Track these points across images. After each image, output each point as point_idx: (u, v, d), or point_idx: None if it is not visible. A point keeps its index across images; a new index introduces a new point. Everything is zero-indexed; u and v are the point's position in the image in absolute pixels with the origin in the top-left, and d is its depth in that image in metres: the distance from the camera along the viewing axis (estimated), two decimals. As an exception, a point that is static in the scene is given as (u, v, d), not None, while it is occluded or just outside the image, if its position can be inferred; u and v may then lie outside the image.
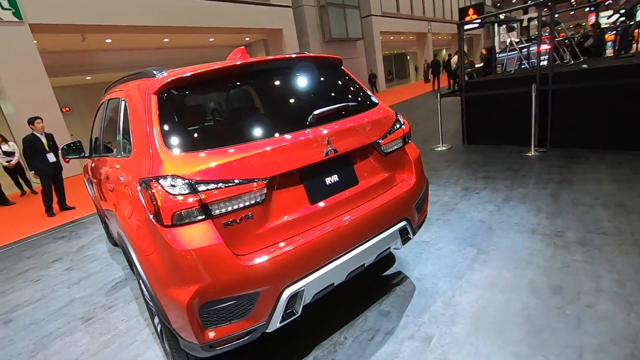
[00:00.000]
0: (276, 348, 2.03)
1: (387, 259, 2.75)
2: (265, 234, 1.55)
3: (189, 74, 1.65)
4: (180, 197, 1.39)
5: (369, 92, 2.22)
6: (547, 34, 5.30)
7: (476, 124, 5.78)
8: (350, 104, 1.99)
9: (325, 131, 1.74)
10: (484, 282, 2.29)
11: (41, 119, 5.68)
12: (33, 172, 5.72)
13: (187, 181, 1.41)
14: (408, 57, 37.38)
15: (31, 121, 5.58)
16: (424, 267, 2.57)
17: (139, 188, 1.50)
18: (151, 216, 1.44)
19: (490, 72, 7.76)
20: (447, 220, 3.25)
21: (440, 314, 2.07)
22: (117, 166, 2.02)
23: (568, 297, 2.04)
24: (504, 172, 4.28)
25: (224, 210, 1.44)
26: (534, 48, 5.22)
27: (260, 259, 1.48)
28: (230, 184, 1.45)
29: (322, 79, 2.13)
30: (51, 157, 5.66)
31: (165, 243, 1.40)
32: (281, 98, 1.98)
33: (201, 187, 1.41)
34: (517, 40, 6.15)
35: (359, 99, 2.12)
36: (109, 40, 12.79)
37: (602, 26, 8.45)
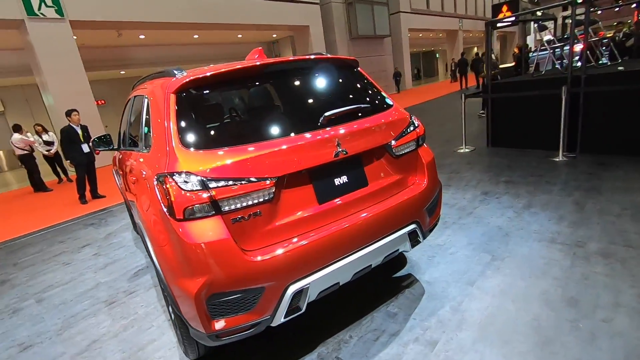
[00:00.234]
0: (282, 342, 2.08)
1: (399, 261, 2.75)
2: (273, 231, 1.60)
3: (206, 75, 1.72)
4: (192, 193, 1.46)
5: (384, 94, 2.22)
6: (581, 33, 5.04)
7: (502, 126, 5.60)
8: (362, 105, 2.00)
9: (335, 132, 1.77)
10: (495, 290, 2.25)
11: (77, 112, 6.02)
12: (69, 161, 6.09)
13: (199, 178, 1.47)
14: (437, 55, 36.52)
15: (68, 113, 5.93)
16: (435, 271, 2.55)
17: (155, 183, 1.58)
18: (165, 210, 1.52)
19: (520, 72, 7.46)
20: (463, 225, 3.19)
21: (448, 319, 2.06)
22: (141, 160, 2.13)
23: (583, 310, 1.97)
24: (528, 177, 4.15)
25: (233, 206, 1.50)
26: (567, 48, 4.98)
27: (267, 256, 1.53)
28: (240, 182, 1.50)
29: (337, 80, 2.15)
30: (85, 148, 5.99)
31: (177, 236, 1.47)
32: (295, 99, 2.02)
33: (212, 184, 1.47)
34: (550, 39, 5.88)
35: (373, 100, 2.12)
36: (142, 37, 13.32)
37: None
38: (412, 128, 2.10)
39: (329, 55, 2.15)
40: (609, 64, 5.44)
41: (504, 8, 17.52)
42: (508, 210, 3.34)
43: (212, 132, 1.73)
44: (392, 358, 1.85)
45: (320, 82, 2.08)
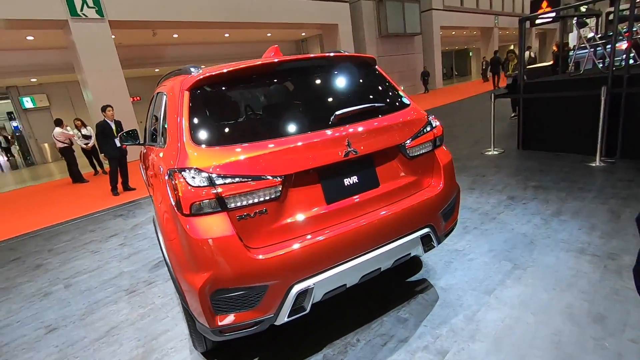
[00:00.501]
0: (288, 341, 2.08)
1: (413, 265, 2.67)
2: (279, 230, 1.59)
3: (220, 72, 1.74)
4: (199, 189, 1.48)
5: (402, 93, 2.16)
6: (626, 30, 4.68)
7: (534, 127, 5.32)
8: (376, 104, 1.95)
9: (346, 131, 1.73)
10: (514, 300, 2.13)
11: (112, 107, 6.32)
12: (103, 154, 6.41)
13: (207, 174, 1.49)
14: (470, 53, 35.32)
15: (103, 109, 6.24)
16: (452, 277, 2.46)
17: (166, 178, 1.62)
18: (174, 205, 1.55)
19: (557, 72, 7.06)
20: (484, 230, 3.06)
21: (460, 329, 1.98)
22: (161, 155, 2.18)
23: (610, 328, 1.83)
24: (559, 182, 3.91)
25: (239, 204, 1.51)
26: (610, 46, 4.64)
27: (271, 254, 1.53)
28: (246, 180, 1.51)
29: (352, 78, 2.11)
30: (118, 142, 6.28)
31: (183, 231, 1.50)
32: (307, 97, 2.00)
33: (219, 181, 1.49)
34: (590, 36, 5.51)
35: (389, 99, 2.07)
36: (175, 36, 13.80)
37: None
38: (429, 128, 2.02)
39: (345, 53, 2.12)
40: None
41: (544, 4, 16.60)
42: (535, 217, 3.17)
43: (223, 130, 1.75)
44: (399, 365, 1.80)
45: (335, 80, 2.05)
